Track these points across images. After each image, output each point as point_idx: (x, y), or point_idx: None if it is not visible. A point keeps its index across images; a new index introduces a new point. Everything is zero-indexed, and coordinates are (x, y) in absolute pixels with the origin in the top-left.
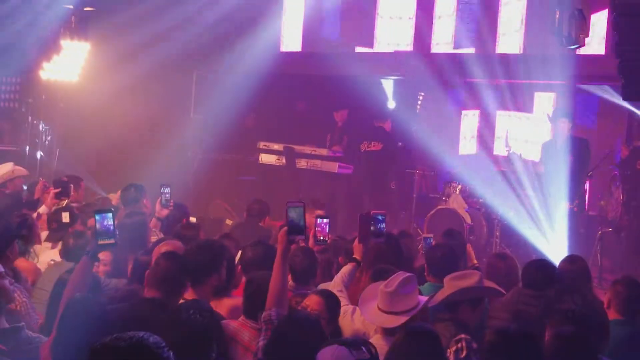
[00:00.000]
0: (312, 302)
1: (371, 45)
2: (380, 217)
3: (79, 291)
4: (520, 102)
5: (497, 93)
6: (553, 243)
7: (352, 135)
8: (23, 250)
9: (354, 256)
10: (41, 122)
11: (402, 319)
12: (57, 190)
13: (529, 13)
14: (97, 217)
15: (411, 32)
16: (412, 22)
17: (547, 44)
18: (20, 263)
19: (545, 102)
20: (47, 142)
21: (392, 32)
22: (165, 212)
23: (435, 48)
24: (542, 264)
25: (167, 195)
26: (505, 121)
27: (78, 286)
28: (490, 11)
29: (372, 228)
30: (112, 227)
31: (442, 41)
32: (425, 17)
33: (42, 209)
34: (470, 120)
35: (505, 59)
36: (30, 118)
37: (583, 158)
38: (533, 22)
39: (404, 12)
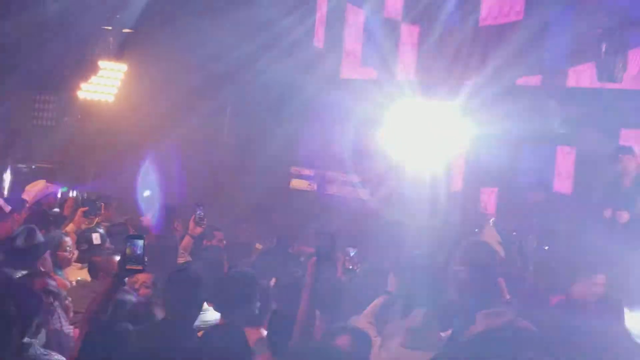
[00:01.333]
0: (343, 345)
1: None
2: (416, 252)
3: (101, 312)
4: None
5: None
6: None
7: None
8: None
9: (387, 289)
10: None
11: (426, 356)
12: (85, 209)
13: None
14: (128, 242)
15: None
16: None
17: None
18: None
19: None
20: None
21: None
22: (198, 230)
23: None
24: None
25: (201, 214)
26: None
27: (101, 307)
28: None
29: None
30: (142, 254)
31: None
32: None
33: (70, 227)
34: None
35: None
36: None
37: None
38: None
39: None
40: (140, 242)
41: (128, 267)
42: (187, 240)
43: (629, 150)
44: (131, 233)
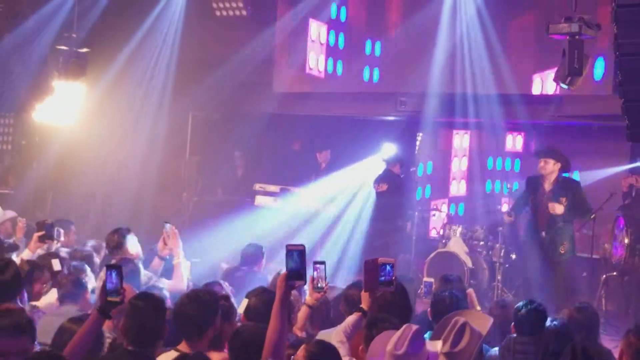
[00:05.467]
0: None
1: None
2: (388, 267)
3: (82, 347)
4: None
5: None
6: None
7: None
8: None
9: (360, 306)
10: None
11: None
12: (40, 234)
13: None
14: (107, 272)
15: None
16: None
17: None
18: None
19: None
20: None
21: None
22: (167, 252)
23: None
24: (532, 307)
25: (169, 233)
26: None
27: (83, 341)
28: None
29: (381, 277)
30: (119, 284)
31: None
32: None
33: (26, 254)
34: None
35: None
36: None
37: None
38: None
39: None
40: (119, 272)
41: (109, 299)
42: (156, 262)
43: (549, 154)
44: (94, 259)
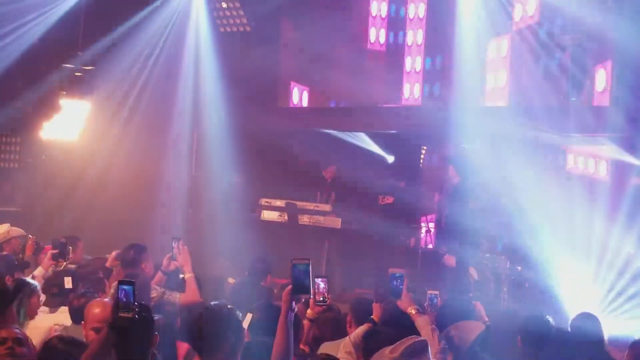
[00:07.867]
0: None
1: None
2: (399, 276)
3: None
4: None
5: None
6: None
7: (340, 191)
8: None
9: (371, 317)
10: None
11: None
12: (54, 252)
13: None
14: (119, 287)
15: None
16: None
17: None
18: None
19: None
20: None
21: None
22: (173, 266)
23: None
24: (538, 320)
25: (178, 250)
26: None
27: (95, 358)
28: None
29: (392, 287)
30: (132, 299)
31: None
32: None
33: (38, 271)
34: None
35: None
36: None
37: None
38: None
39: None
40: (130, 288)
41: (121, 314)
42: (158, 276)
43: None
44: (100, 274)
